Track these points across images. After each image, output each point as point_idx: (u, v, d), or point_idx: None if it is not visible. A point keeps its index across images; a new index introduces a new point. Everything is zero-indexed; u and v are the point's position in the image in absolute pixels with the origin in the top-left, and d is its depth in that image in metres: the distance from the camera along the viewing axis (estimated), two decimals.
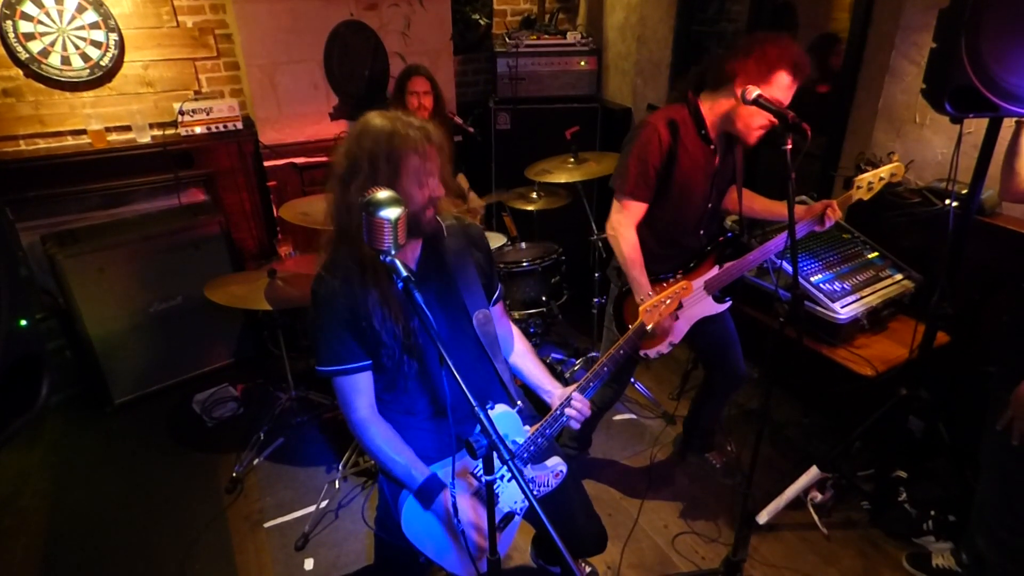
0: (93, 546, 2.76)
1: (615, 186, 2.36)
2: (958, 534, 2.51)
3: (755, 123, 2.15)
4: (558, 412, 1.78)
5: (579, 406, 1.78)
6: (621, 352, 1.82)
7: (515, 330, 2.05)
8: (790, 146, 1.79)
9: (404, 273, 1.35)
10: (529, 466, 1.81)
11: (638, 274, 2.33)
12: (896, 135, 2.92)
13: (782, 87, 2.06)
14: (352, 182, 1.55)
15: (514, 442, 1.77)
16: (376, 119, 1.59)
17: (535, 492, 1.82)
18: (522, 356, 2.01)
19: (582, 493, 2.04)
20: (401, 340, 1.67)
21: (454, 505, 1.68)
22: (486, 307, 1.81)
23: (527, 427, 1.81)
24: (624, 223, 2.34)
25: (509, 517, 1.83)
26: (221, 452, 3.26)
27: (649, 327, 1.87)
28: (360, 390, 1.71)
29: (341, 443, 3.13)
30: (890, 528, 2.68)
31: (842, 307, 2.61)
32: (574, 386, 1.81)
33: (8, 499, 3.01)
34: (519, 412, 1.82)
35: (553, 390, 1.89)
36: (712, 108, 2.26)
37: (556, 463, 1.86)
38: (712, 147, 2.31)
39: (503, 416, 1.76)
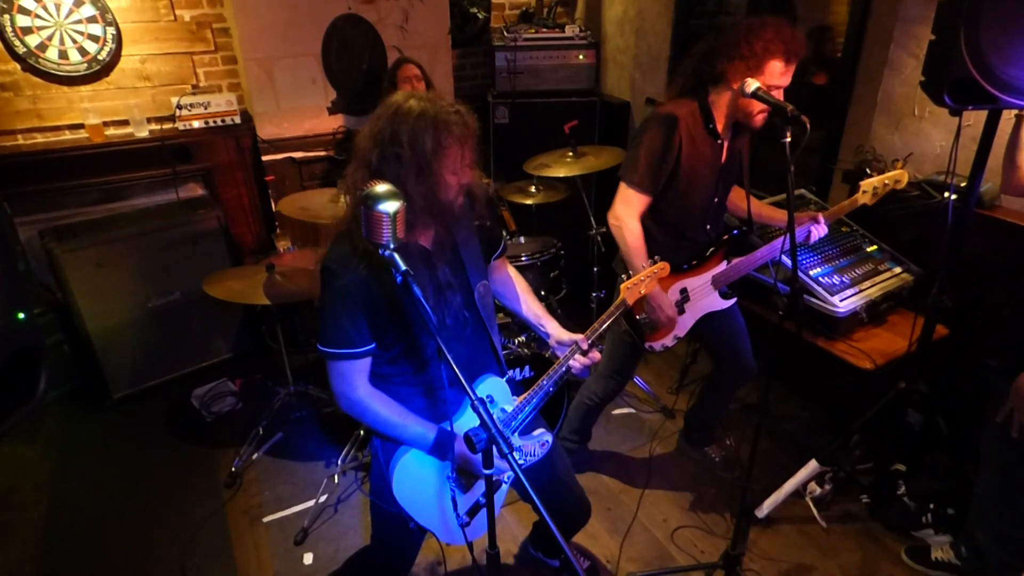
0: (92, 540, 2.76)
1: (623, 176, 2.36)
2: (957, 527, 2.52)
3: (756, 109, 2.19)
4: (562, 365, 1.80)
5: (586, 359, 1.81)
6: (603, 326, 1.84)
7: (512, 272, 2.06)
8: (789, 139, 1.79)
9: (403, 267, 1.34)
10: (516, 435, 1.83)
11: (641, 263, 2.33)
12: (895, 128, 2.91)
13: (776, 74, 2.10)
14: (384, 165, 1.52)
15: (503, 410, 1.79)
16: (411, 101, 1.53)
17: (522, 462, 1.84)
18: (524, 301, 2.03)
19: (565, 460, 2.06)
20: (416, 322, 1.66)
21: (453, 499, 1.68)
22: (485, 277, 1.81)
23: (515, 397, 1.83)
24: (628, 213, 2.35)
25: (496, 485, 1.84)
26: (220, 447, 3.26)
27: (631, 303, 1.90)
28: (362, 370, 1.70)
29: (340, 438, 3.13)
30: (889, 521, 2.69)
31: (841, 300, 2.61)
32: (584, 334, 1.84)
33: (7, 493, 3.01)
34: (508, 382, 1.84)
35: (553, 332, 1.92)
36: (716, 102, 2.28)
37: (541, 432, 1.88)
38: (720, 142, 2.33)
39: (492, 384, 1.79)
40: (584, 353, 1.83)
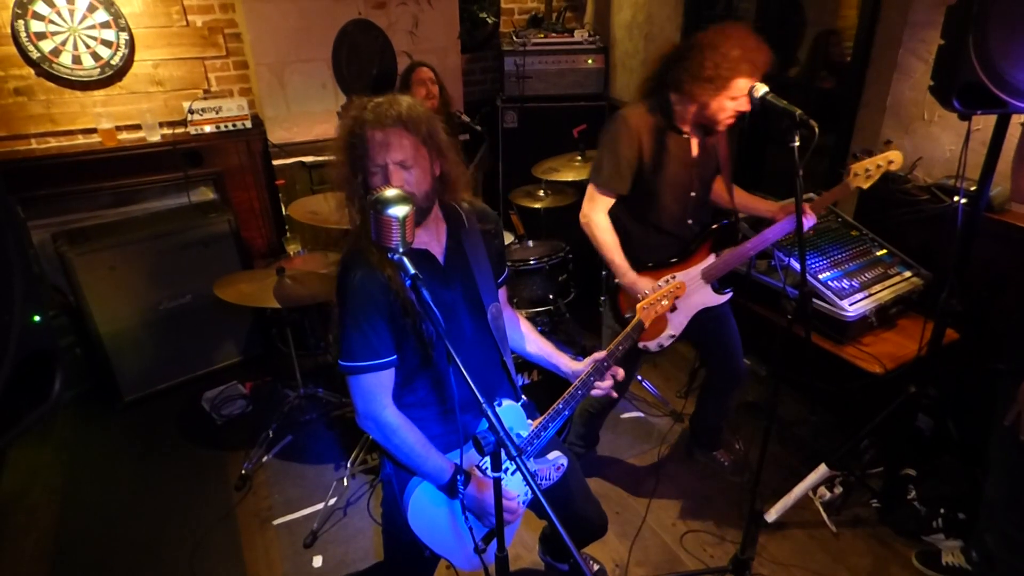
0: (103, 542, 2.78)
1: (590, 178, 2.42)
2: (968, 532, 2.50)
3: (723, 116, 2.23)
4: (579, 388, 1.79)
5: (608, 383, 1.81)
6: (620, 348, 1.83)
7: (515, 312, 2.04)
8: (797, 143, 1.79)
9: (412, 271, 1.33)
10: (532, 459, 1.83)
11: (614, 256, 2.39)
12: (904, 132, 2.91)
13: (742, 90, 2.13)
14: (341, 173, 1.58)
15: (518, 435, 1.78)
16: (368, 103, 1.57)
17: (538, 485, 1.82)
18: (532, 340, 1.99)
19: (579, 476, 2.04)
20: (431, 332, 1.65)
21: (470, 527, 1.68)
22: (497, 299, 1.81)
23: (530, 420, 1.83)
24: (595, 210, 2.41)
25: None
26: (230, 450, 3.28)
27: (647, 324, 1.88)
28: (387, 387, 1.67)
29: (349, 441, 3.14)
30: (899, 526, 2.67)
31: (850, 304, 2.60)
32: (588, 361, 1.83)
33: (19, 495, 3.04)
34: (523, 406, 1.83)
35: (567, 365, 1.91)
36: (679, 106, 2.32)
37: (557, 456, 1.87)
38: (685, 136, 2.35)
39: (509, 410, 1.77)
40: (604, 370, 1.81)
